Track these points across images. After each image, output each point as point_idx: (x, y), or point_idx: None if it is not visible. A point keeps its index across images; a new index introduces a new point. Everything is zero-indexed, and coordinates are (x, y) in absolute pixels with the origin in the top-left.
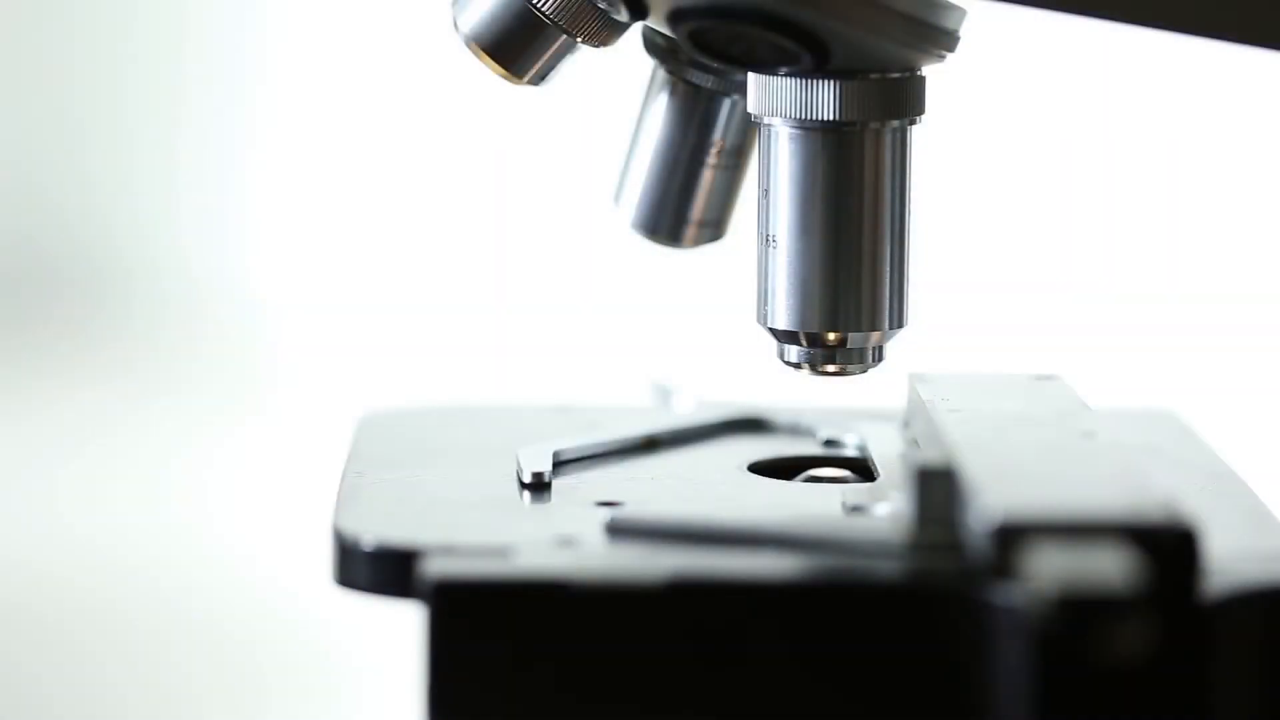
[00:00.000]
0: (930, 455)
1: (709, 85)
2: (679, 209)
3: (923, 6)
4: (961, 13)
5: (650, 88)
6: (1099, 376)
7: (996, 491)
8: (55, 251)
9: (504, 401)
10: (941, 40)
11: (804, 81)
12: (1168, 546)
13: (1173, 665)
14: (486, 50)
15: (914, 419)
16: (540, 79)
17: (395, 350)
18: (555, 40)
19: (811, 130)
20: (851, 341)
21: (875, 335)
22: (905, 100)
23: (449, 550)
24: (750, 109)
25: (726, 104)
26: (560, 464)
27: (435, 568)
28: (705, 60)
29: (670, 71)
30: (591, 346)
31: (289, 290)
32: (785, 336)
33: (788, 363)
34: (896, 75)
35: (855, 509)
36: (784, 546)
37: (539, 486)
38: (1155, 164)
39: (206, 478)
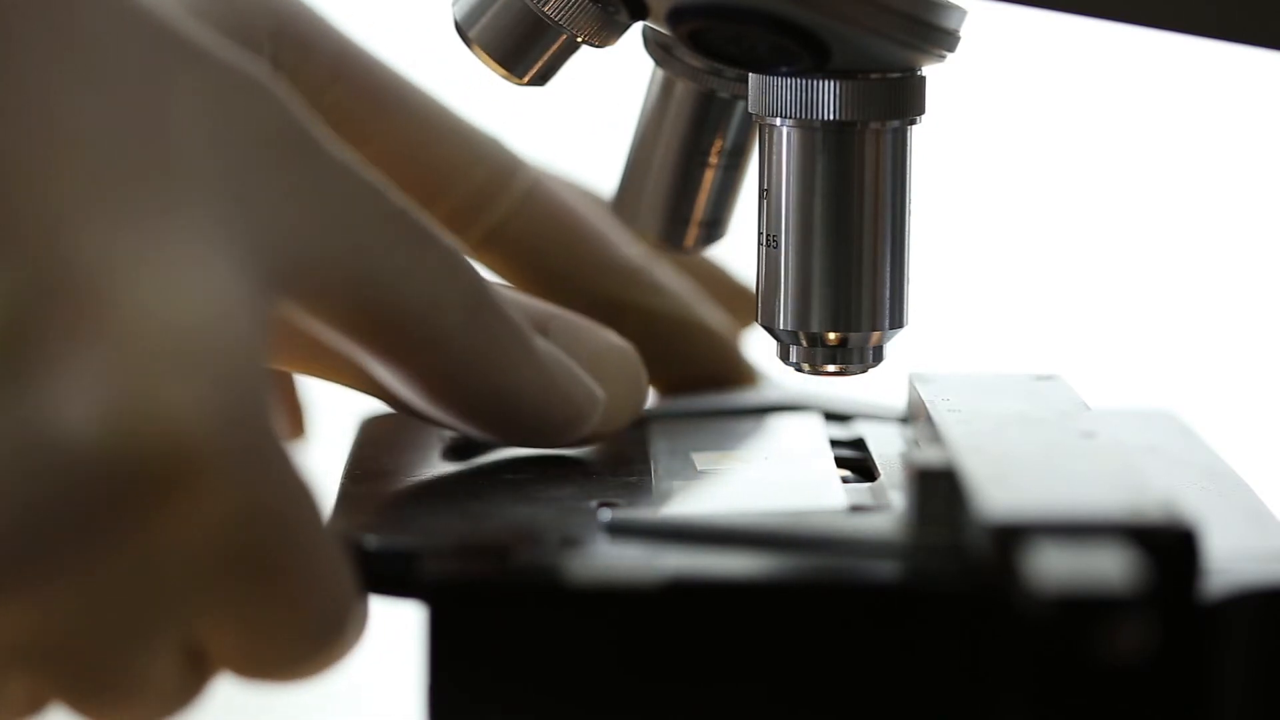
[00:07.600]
0: (930, 455)
1: (709, 87)
2: (679, 209)
3: (923, 6)
4: (962, 13)
5: (651, 88)
6: (1099, 376)
7: (996, 491)
8: None
9: None
10: (941, 40)
11: (804, 81)
12: (1168, 546)
13: (1173, 665)
14: (487, 50)
15: (914, 419)
16: (541, 79)
17: None
18: (555, 40)
19: (812, 130)
20: (852, 341)
21: (875, 335)
22: (905, 100)
23: (449, 550)
24: (751, 109)
25: (727, 104)
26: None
27: (435, 568)
28: (705, 61)
29: (671, 71)
30: None
31: None
32: (786, 336)
33: (788, 362)
34: (896, 75)
35: (855, 509)
36: (784, 546)
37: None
38: (1155, 163)
39: None
